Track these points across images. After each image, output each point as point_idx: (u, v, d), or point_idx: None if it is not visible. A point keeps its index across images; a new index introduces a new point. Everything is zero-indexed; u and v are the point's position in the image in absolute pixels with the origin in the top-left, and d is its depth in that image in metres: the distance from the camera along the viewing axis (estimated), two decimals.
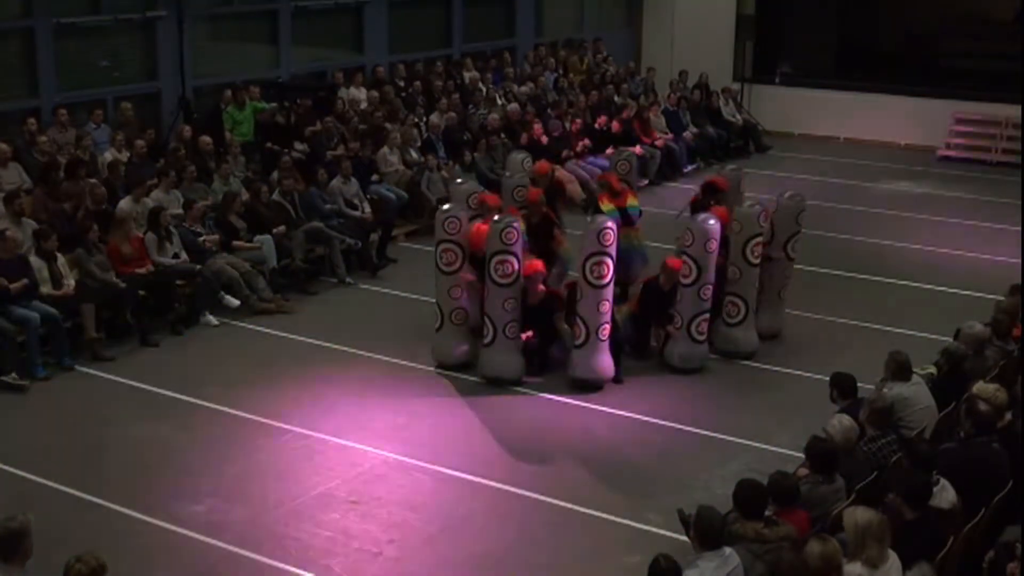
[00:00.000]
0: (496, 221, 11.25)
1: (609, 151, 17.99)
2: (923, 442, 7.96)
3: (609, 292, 11.05)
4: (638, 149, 19.07)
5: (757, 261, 11.91)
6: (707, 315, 11.59)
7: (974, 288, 14.05)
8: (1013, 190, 19.27)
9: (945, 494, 7.21)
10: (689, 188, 18.92)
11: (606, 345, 11.16)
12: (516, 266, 11.08)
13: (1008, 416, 8.23)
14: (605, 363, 11.21)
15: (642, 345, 11.99)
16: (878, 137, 22.82)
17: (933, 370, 9.79)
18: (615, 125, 19.41)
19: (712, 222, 11.47)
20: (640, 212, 13.50)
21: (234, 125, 16.45)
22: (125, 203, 13.14)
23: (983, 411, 7.89)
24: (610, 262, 10.93)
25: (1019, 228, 16.51)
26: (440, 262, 11.54)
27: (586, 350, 11.12)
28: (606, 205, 13.00)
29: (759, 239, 11.86)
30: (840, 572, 6.10)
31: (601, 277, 10.87)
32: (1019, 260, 13.98)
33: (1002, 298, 11.10)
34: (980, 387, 8.37)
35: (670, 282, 11.73)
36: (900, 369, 9.04)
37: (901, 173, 20.62)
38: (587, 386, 11.17)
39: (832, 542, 6.16)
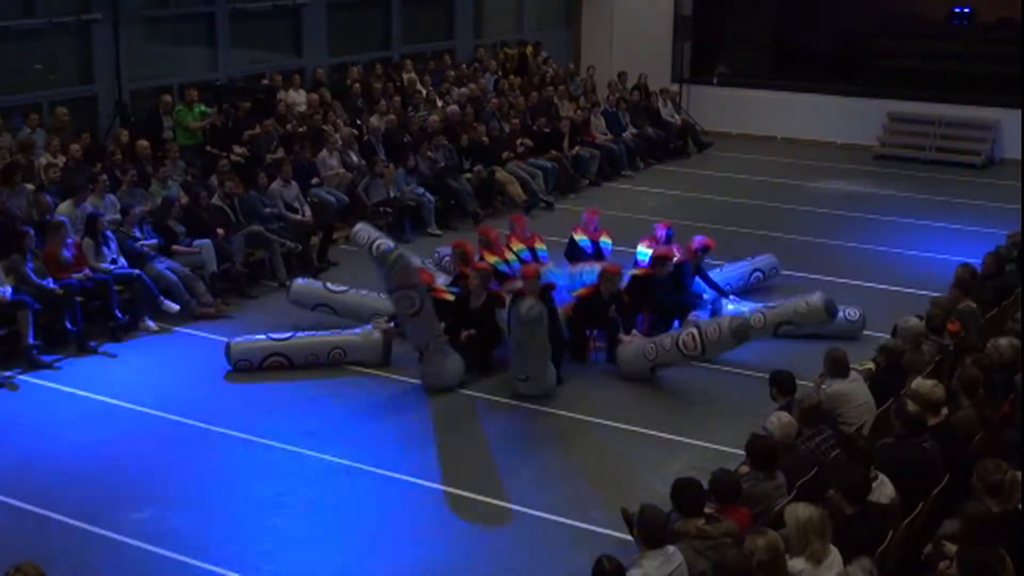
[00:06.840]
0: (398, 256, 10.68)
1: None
2: (861, 438, 8.04)
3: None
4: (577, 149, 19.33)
5: None
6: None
7: (909, 285, 14.23)
8: (947, 187, 19.62)
9: (884, 489, 7.30)
10: (627, 189, 19.08)
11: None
12: (418, 301, 10.77)
13: (944, 412, 8.33)
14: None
15: (579, 349, 12.00)
16: (815, 136, 23.07)
17: (871, 366, 9.93)
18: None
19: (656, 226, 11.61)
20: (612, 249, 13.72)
21: (182, 130, 16.23)
22: (64, 207, 12.98)
23: (912, 412, 7.98)
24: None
25: (955, 226, 16.88)
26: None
27: None
28: (579, 236, 13.60)
29: None
30: (785, 561, 6.18)
31: None
32: (953, 256, 14.24)
33: (937, 294, 11.26)
34: (918, 383, 8.45)
35: (610, 288, 11.79)
36: (838, 366, 9.17)
37: (838, 172, 20.85)
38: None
39: (771, 532, 6.24)
